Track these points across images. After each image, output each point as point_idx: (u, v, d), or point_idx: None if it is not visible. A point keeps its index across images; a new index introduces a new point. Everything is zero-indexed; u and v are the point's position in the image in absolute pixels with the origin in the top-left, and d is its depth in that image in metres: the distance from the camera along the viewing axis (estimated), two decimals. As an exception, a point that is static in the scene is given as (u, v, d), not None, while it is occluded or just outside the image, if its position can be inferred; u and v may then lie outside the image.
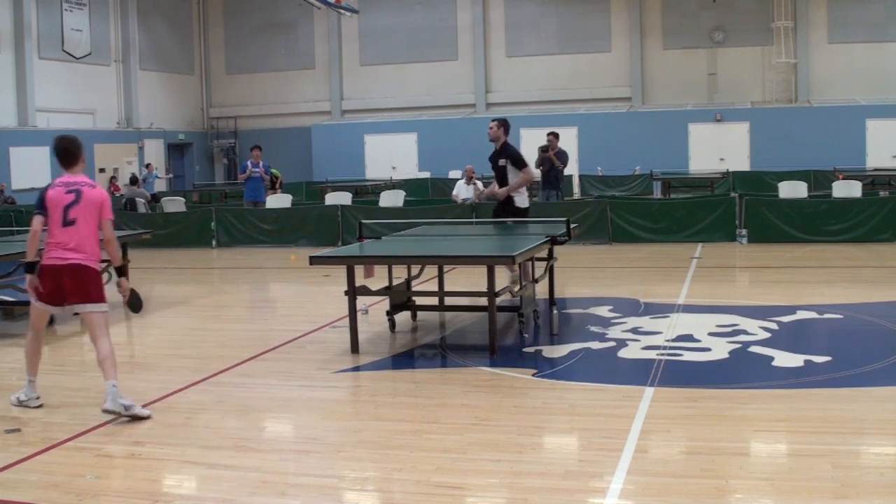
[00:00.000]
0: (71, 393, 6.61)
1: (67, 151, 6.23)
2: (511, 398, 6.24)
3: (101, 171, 27.22)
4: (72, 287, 6.01)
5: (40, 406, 6.21)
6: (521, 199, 10.05)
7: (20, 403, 6.22)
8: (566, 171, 17.19)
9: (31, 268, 6.16)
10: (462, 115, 30.09)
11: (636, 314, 8.99)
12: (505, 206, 10.03)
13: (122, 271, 6.51)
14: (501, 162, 9.87)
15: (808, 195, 16.67)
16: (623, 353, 7.39)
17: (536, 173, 9.37)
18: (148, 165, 27.49)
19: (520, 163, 9.85)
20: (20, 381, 6.34)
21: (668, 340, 7.73)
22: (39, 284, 6.08)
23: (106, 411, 5.86)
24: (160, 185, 27.41)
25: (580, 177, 25.80)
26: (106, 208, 6.19)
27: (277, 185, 22.24)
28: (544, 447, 5.37)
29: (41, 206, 6.11)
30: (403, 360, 7.61)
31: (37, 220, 6.12)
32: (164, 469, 5.02)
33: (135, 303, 7.06)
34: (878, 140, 25.76)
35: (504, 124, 9.92)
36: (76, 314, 6.36)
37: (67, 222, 6.02)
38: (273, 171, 23.48)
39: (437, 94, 30.92)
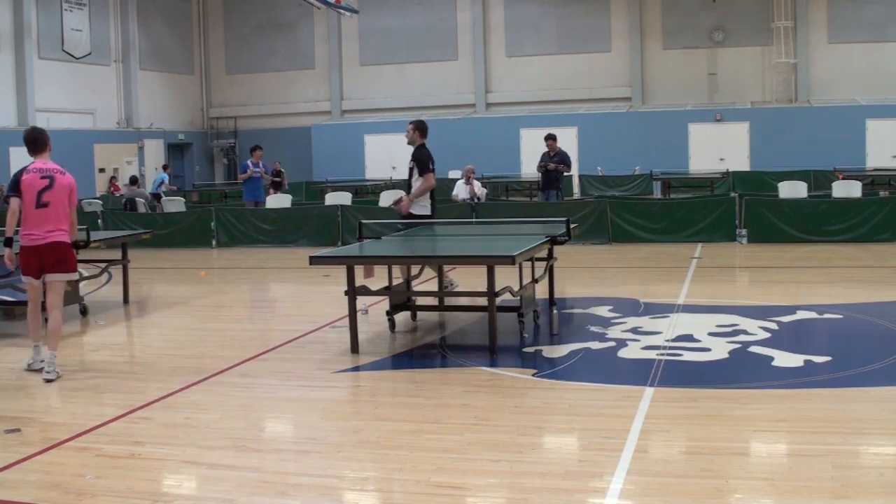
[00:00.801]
0: (71, 393, 6.62)
1: (36, 141, 7.04)
2: (511, 398, 6.24)
3: (101, 171, 27.21)
4: (52, 260, 6.85)
5: (41, 369, 6.88)
6: (418, 207, 9.87)
7: (29, 367, 7.03)
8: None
9: (9, 242, 7.00)
10: (462, 115, 30.10)
11: (636, 314, 8.99)
12: (404, 214, 9.95)
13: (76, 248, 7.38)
14: (410, 164, 9.85)
15: (808, 195, 16.65)
16: (623, 353, 7.39)
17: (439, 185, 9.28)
18: (165, 166, 27.60)
19: (424, 168, 9.71)
20: (20, 381, 6.36)
21: (667, 340, 7.73)
22: (19, 260, 6.92)
23: (48, 381, 6.74)
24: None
25: (580, 177, 25.78)
26: (74, 193, 7.07)
27: (284, 183, 22.33)
28: (544, 447, 5.36)
29: (16, 189, 6.84)
30: (403, 360, 7.60)
31: (14, 202, 6.85)
32: (164, 469, 5.02)
33: None
34: (878, 140, 25.74)
35: (420, 127, 9.82)
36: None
37: (41, 205, 6.81)
38: (281, 169, 23.64)
39: (437, 94, 30.92)
